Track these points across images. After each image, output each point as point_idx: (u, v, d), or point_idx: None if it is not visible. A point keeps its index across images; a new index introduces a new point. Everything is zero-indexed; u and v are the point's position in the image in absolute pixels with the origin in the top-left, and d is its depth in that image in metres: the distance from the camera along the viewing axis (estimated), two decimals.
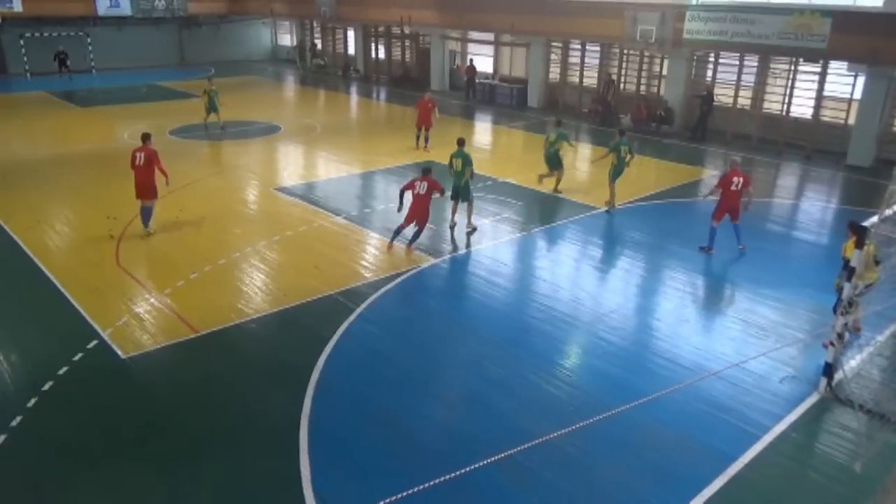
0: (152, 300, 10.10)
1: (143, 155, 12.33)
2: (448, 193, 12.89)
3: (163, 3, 35.22)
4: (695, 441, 7.17)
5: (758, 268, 11.74)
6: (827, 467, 6.85)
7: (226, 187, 16.02)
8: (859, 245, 7.49)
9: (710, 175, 18.12)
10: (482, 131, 24.22)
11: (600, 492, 6.48)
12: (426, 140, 19.79)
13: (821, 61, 19.71)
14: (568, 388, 8.10)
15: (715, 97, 21.84)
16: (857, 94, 19.36)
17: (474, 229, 13.10)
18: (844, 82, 19.97)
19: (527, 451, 6.88)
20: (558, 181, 15.76)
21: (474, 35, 30.01)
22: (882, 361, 8.84)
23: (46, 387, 7.86)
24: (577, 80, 26.53)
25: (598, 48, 25.68)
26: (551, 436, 7.10)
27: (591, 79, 26.26)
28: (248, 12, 39.61)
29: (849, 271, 7.62)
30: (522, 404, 7.76)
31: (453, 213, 13.31)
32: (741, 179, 11.93)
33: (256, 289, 10.61)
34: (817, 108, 20.45)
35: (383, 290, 10.58)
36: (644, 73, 24.68)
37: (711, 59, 22.61)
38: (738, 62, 21.78)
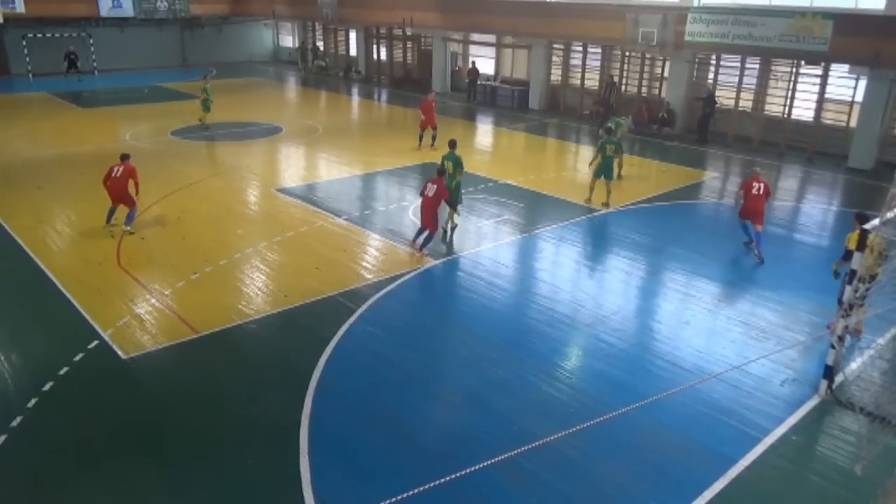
0: (153, 300, 10.11)
1: (121, 169, 12.85)
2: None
3: (165, 4, 35.30)
4: (695, 443, 7.16)
5: (759, 270, 11.74)
6: (827, 470, 6.85)
7: (227, 188, 16.03)
8: (860, 247, 7.48)
9: (711, 177, 18.12)
10: (483, 133, 24.23)
11: (600, 493, 6.47)
12: (433, 139, 19.79)
13: (822, 64, 19.70)
14: (568, 390, 8.09)
15: (717, 99, 21.84)
16: (859, 97, 19.36)
17: (454, 225, 13.18)
18: (846, 85, 19.96)
19: (527, 453, 6.87)
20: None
21: (476, 37, 30.04)
22: (883, 364, 8.82)
23: (47, 387, 7.87)
24: (578, 82, 26.53)
25: (599, 50, 25.69)
26: (552, 437, 7.09)
27: (592, 81, 26.27)
28: (250, 14, 39.67)
29: (850, 273, 7.61)
30: (523, 406, 7.76)
31: (449, 216, 13.23)
32: (761, 185, 12.14)
33: (257, 289, 10.61)
34: (819, 110, 20.43)
35: (384, 291, 10.59)
36: (646, 75, 24.69)
37: (713, 61, 22.61)
38: (739, 64, 21.78)
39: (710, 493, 6.41)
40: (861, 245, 7.47)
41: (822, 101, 20.30)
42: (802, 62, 20.10)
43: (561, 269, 11.97)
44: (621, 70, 25.01)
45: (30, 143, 20.42)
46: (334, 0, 32.97)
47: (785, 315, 10.07)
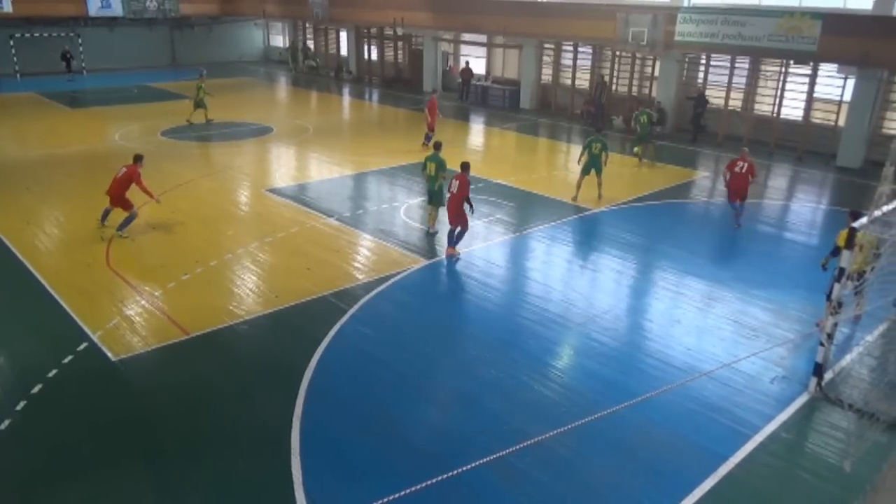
0: (143, 302, 10.05)
1: (123, 170, 12.64)
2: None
3: (154, 3, 35.11)
4: (686, 441, 7.19)
5: (749, 268, 11.80)
6: (817, 467, 6.89)
7: (218, 188, 15.97)
8: (849, 245, 7.54)
9: (702, 176, 18.21)
10: (475, 133, 24.24)
11: (592, 492, 6.49)
12: (427, 139, 19.73)
13: (811, 63, 19.84)
14: (560, 389, 8.11)
15: (707, 99, 21.94)
16: (847, 96, 19.50)
17: (435, 232, 12.94)
18: (835, 84, 20.11)
19: (519, 452, 6.88)
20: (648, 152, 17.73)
21: (467, 37, 30.04)
22: (871, 361, 8.90)
23: (35, 390, 7.80)
24: (569, 81, 26.59)
25: (590, 50, 25.76)
26: (543, 436, 7.10)
27: (583, 80, 26.33)
28: (240, 13, 39.52)
29: (839, 271, 7.66)
30: (515, 405, 7.77)
31: (430, 218, 13.05)
32: (745, 165, 13.37)
33: (248, 290, 10.57)
34: (808, 109, 20.58)
35: (376, 291, 10.57)
36: (636, 75, 24.77)
37: (703, 61, 22.72)
38: (729, 64, 21.90)
39: (700, 491, 6.44)
40: (849, 243, 7.52)
41: (810, 100, 20.45)
42: (791, 62, 20.23)
43: (552, 268, 11.99)
44: (612, 70, 25.08)
45: (18, 144, 20.27)
46: (325, 0, 32.91)
47: (775, 313, 10.13)
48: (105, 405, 7.68)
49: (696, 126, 22.04)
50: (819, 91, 20.38)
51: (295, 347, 8.91)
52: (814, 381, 8.05)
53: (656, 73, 24.05)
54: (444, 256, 12.00)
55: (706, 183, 17.68)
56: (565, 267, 12.08)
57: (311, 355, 8.64)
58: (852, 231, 7.53)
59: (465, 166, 11.99)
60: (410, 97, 29.99)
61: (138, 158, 12.83)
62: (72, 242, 12.52)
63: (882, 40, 17.34)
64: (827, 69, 20.05)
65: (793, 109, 21.02)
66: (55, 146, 19.78)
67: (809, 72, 20.19)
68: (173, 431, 7.26)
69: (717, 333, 9.56)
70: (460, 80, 29.41)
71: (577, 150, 21.42)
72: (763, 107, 21.74)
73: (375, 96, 31.29)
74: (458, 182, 11.75)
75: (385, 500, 6.17)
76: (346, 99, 30.81)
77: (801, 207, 16.13)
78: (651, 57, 23.77)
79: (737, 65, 21.75)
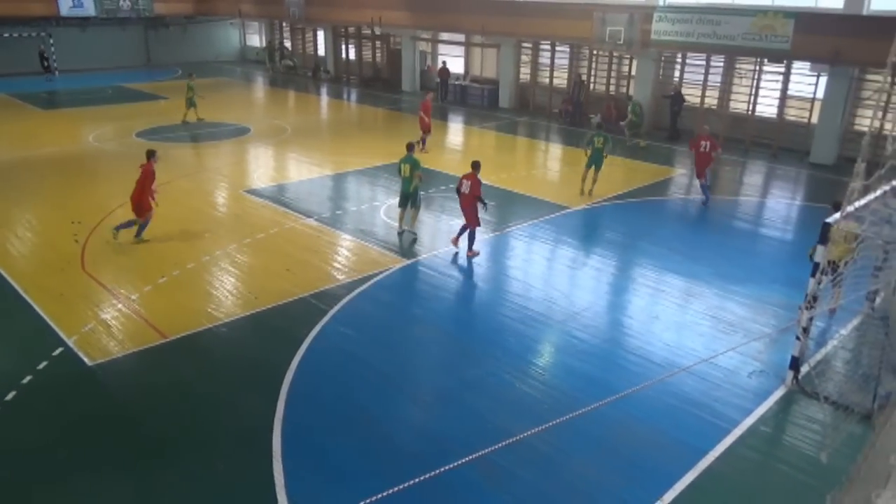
0: (120, 306, 9.91)
1: (140, 170, 12.10)
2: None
3: (128, 3, 34.62)
4: (667, 436, 7.26)
5: (726, 264, 11.94)
6: (794, 458, 7.00)
7: (195, 190, 15.79)
8: (823, 240, 7.65)
9: (680, 174, 18.38)
10: (454, 132, 24.26)
11: (574, 488, 6.52)
12: (423, 142, 19.46)
13: (784, 61, 20.14)
14: (542, 387, 8.14)
15: (684, 97, 22.17)
16: (820, 94, 19.82)
17: (415, 237, 12.80)
18: (808, 82, 20.44)
19: (502, 450, 6.90)
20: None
21: (445, 36, 30.04)
22: (846, 354, 9.06)
23: (9, 396, 7.65)
24: (547, 80, 26.71)
25: (567, 49, 25.90)
26: (526, 434, 7.13)
27: (561, 79, 26.47)
28: (215, 13, 39.12)
29: (814, 266, 7.78)
30: (497, 403, 7.78)
31: (400, 220, 12.96)
32: (708, 143, 14.69)
33: (227, 292, 10.47)
34: (782, 107, 20.90)
35: (356, 291, 10.53)
36: (613, 74, 24.95)
37: (679, 59, 22.95)
38: (704, 63, 22.15)
39: (681, 485, 6.50)
40: (823, 238, 7.63)
41: (784, 98, 20.76)
42: (765, 60, 20.52)
43: (533, 266, 12.04)
44: (589, 69, 25.24)
45: None
46: None
47: (752, 308, 10.26)
48: (82, 411, 7.55)
49: (674, 124, 22.25)
50: (792, 89, 20.71)
51: (275, 349, 8.84)
52: (790, 374, 8.17)
53: (633, 72, 24.24)
54: (464, 257, 12.01)
55: (683, 180, 17.86)
56: (545, 265, 12.13)
57: (292, 357, 8.58)
58: (826, 226, 7.65)
59: (476, 165, 11.98)
60: (389, 97, 29.92)
61: (151, 154, 12.26)
62: (45, 246, 12.30)
63: (853, 39, 17.64)
64: (800, 67, 20.37)
65: (767, 107, 21.34)
66: (27, 149, 19.41)
67: (783, 70, 20.50)
68: (152, 436, 7.16)
69: (695, 329, 9.66)
70: (438, 79, 29.39)
71: (555, 148, 21.63)
72: (738, 105, 22.02)
73: (354, 96, 31.17)
74: (469, 182, 11.76)
75: (368, 500, 6.15)
76: (325, 99, 30.65)
77: (777, 204, 16.37)
78: (628, 56, 23.96)
79: (712, 63, 22.01)
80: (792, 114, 20.95)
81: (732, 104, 22.12)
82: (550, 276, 11.67)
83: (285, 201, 14.98)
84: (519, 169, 18.64)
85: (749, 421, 7.53)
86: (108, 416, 7.49)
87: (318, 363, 8.54)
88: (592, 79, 25.35)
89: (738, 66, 21.77)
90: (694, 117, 22.27)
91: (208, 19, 39.85)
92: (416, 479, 6.44)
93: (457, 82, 29.15)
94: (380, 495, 6.22)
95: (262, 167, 18.61)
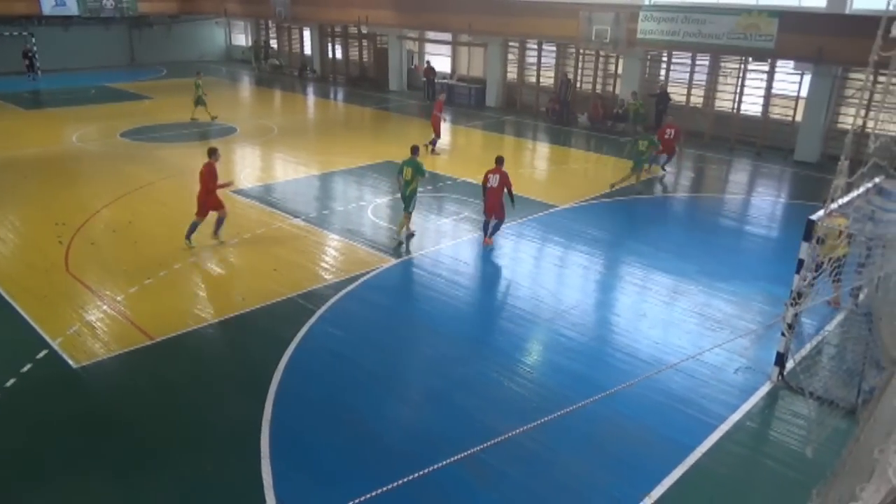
0: (105, 307, 9.82)
1: (204, 170, 11.89)
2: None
3: (111, 2, 34.28)
4: (654, 433, 7.30)
5: (712, 262, 12.03)
6: (780, 453, 7.06)
7: (180, 190, 15.66)
8: (807, 237, 7.72)
9: (666, 172, 18.47)
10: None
11: (563, 486, 6.54)
12: (433, 143, 19.40)
13: (769, 60, 20.31)
14: (530, 385, 8.16)
15: (670, 96, 22.29)
16: (804, 92, 20.01)
17: (407, 237, 12.70)
18: (792, 80, 20.63)
19: (491, 449, 6.91)
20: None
21: (432, 35, 30.02)
22: (830, 350, 9.15)
23: None
24: (534, 79, 26.76)
25: (554, 48, 25.97)
26: (514, 432, 7.14)
27: (548, 78, 26.53)
28: (200, 12, 38.85)
29: (798, 263, 7.86)
30: (485, 402, 7.79)
31: (402, 225, 12.75)
32: (672, 131, 17.23)
33: (214, 293, 10.40)
34: (766, 105, 21.08)
35: (344, 291, 10.50)
36: (600, 73, 25.05)
37: (664, 58, 23.08)
38: (690, 61, 22.29)
39: (669, 481, 6.54)
40: (808, 235, 7.70)
41: (769, 96, 20.94)
42: (750, 59, 20.68)
43: (520, 265, 12.06)
44: (576, 68, 25.32)
45: None
46: None
47: (738, 305, 10.34)
48: (67, 413, 7.47)
49: (660, 123, 22.34)
50: (777, 87, 20.90)
51: (263, 350, 8.79)
52: (776, 370, 8.25)
53: (620, 71, 24.35)
54: (483, 245, 12.44)
55: (669, 178, 17.96)
56: (533, 263, 12.15)
57: (280, 357, 8.54)
58: (810, 223, 7.72)
59: (501, 160, 12.33)
60: (376, 96, 29.85)
61: (212, 152, 11.95)
62: (28, 247, 12.17)
63: (836, 37, 17.82)
64: (784, 66, 20.55)
65: (752, 105, 21.51)
66: (10, 149, 19.17)
67: (767, 68, 20.68)
68: (139, 439, 7.10)
69: (682, 326, 9.72)
70: (425, 79, 29.36)
71: (542, 147, 21.68)
72: (723, 103, 22.19)
73: (340, 95, 31.07)
74: (498, 176, 12.06)
75: (357, 500, 6.13)
76: (311, 98, 30.53)
77: (762, 201, 16.51)
78: (614, 55, 24.06)
79: (697, 62, 22.16)
80: (776, 112, 21.13)
81: (718, 102, 22.29)
82: (538, 274, 11.69)
83: (272, 201, 14.91)
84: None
85: (735, 417, 7.59)
86: (94, 418, 7.41)
87: (306, 363, 8.51)
88: (579, 78, 25.43)
89: (723, 64, 21.94)
90: (680, 116, 22.37)
91: (193, 18, 39.57)
92: (406, 479, 6.43)
93: (444, 81, 29.12)
94: (369, 495, 6.21)
95: (248, 167, 18.50)
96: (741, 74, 21.29)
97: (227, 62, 40.73)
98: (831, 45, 17.94)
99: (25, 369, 8.18)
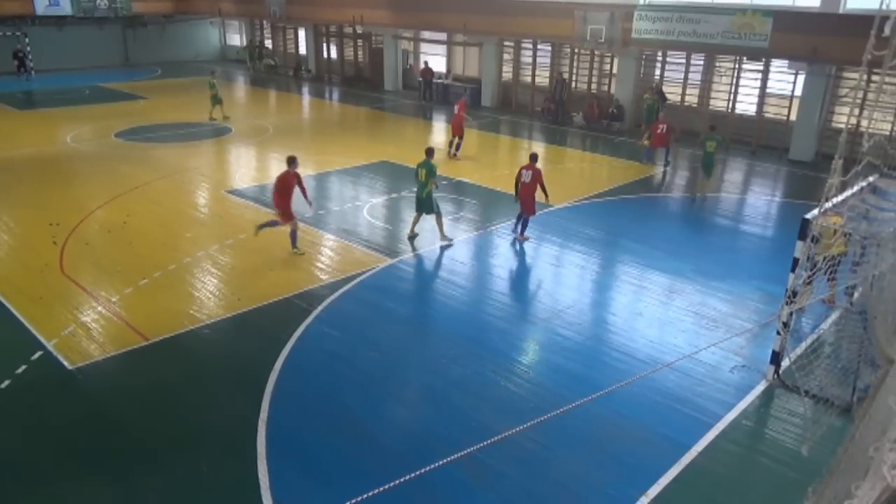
0: (100, 308, 9.78)
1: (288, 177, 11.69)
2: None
3: (105, 1, 34.11)
4: (651, 431, 7.31)
5: (707, 261, 12.06)
6: (776, 452, 7.08)
7: (176, 190, 15.63)
8: (802, 236, 7.74)
9: (661, 171, 18.51)
10: (437, 131, 24.22)
11: (560, 485, 6.55)
12: (457, 147, 19.07)
13: (763, 59, 20.37)
14: (527, 385, 8.16)
15: (665, 95, 22.33)
16: (798, 91, 20.07)
17: (450, 243, 12.52)
18: (786, 80, 20.68)
19: (487, 448, 6.91)
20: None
21: (427, 35, 30.00)
22: (826, 348, 9.18)
23: None
24: (529, 79, 26.77)
25: (549, 48, 25.98)
26: (511, 432, 7.14)
27: (543, 78, 26.54)
28: (195, 12, 38.71)
29: (793, 261, 7.88)
30: (482, 402, 7.79)
31: (414, 224, 12.72)
32: (664, 126, 17.68)
33: (209, 294, 10.38)
34: (761, 104, 21.14)
35: (340, 291, 10.49)
36: (595, 72, 25.07)
37: (660, 57, 23.12)
38: (685, 61, 22.33)
39: (666, 479, 6.55)
40: (803, 234, 7.72)
41: (763, 95, 21.00)
42: (744, 58, 20.74)
43: (517, 264, 12.06)
44: (571, 67, 25.34)
45: None
46: None
47: (733, 304, 10.37)
48: (62, 415, 7.44)
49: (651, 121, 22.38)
50: (771, 86, 20.95)
51: (259, 350, 8.77)
52: (771, 369, 8.27)
53: (615, 70, 24.38)
54: (516, 240, 12.77)
55: (669, 178, 18.00)
56: (529, 263, 12.16)
57: (276, 358, 8.52)
58: (805, 222, 7.74)
59: (535, 157, 12.79)
60: (371, 96, 29.81)
61: (291, 161, 11.69)
62: (22, 248, 12.11)
63: (829, 36, 17.88)
64: (778, 65, 20.60)
65: (747, 105, 21.57)
66: (3, 149, 19.07)
67: (762, 68, 20.74)
68: (134, 440, 7.08)
69: (678, 325, 9.74)
70: (420, 79, 29.32)
71: (538, 146, 21.67)
72: (718, 102, 22.23)
73: (336, 95, 31.02)
74: (530, 172, 12.38)
75: (354, 500, 6.13)
76: (306, 98, 30.48)
77: (757, 200, 16.55)
78: (609, 54, 24.09)
79: (692, 61, 22.19)
80: (771, 111, 21.19)
81: (712, 102, 22.33)
82: (534, 274, 11.70)
83: (267, 201, 14.82)
84: (501, 167, 18.63)
85: (731, 415, 7.61)
86: (90, 419, 7.39)
87: (302, 364, 8.50)
88: (574, 77, 25.45)
89: (717, 64, 21.98)
90: (675, 115, 22.41)
91: (188, 18, 39.44)
92: (402, 479, 6.43)
93: (439, 80, 29.10)
94: (366, 495, 6.20)
95: (243, 167, 18.47)
96: (736, 74, 21.34)
97: (221, 62, 40.59)
98: (825, 45, 17.99)
99: (20, 371, 8.14)
